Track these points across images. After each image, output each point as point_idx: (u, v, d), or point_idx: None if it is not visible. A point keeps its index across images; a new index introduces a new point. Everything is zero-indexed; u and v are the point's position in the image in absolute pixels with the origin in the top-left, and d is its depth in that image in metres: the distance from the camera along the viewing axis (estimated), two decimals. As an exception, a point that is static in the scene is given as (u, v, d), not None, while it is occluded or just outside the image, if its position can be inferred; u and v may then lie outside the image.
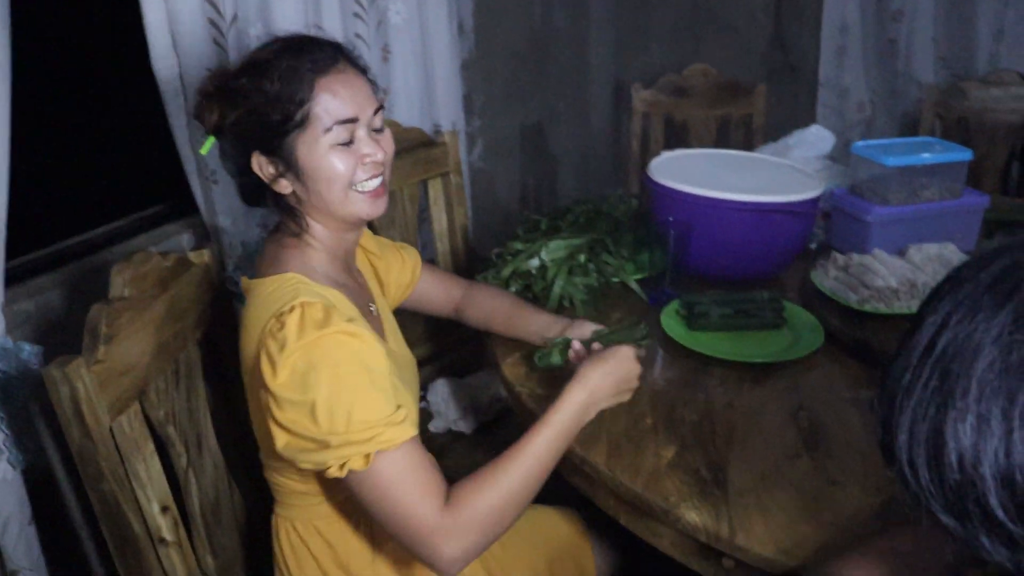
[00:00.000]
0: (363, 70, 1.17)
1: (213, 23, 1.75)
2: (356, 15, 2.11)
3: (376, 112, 1.15)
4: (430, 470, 1.04)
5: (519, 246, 1.72)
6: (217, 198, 1.84)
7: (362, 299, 1.24)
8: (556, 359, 1.36)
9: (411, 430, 1.03)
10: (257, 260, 1.21)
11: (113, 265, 1.18)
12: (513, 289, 1.64)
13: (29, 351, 1.41)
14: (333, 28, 2.01)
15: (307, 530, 1.19)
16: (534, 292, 1.64)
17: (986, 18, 3.06)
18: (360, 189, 1.14)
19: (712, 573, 1.11)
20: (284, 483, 1.18)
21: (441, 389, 1.92)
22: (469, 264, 2.16)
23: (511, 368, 1.44)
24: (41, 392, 1.40)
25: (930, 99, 2.83)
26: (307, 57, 1.10)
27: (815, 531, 1.03)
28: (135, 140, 2.12)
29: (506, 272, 1.66)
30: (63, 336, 1.60)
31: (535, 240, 1.72)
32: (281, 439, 1.02)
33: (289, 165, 1.12)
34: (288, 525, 1.21)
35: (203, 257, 1.39)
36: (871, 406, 0.71)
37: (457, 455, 1.84)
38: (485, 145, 3.03)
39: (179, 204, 2.02)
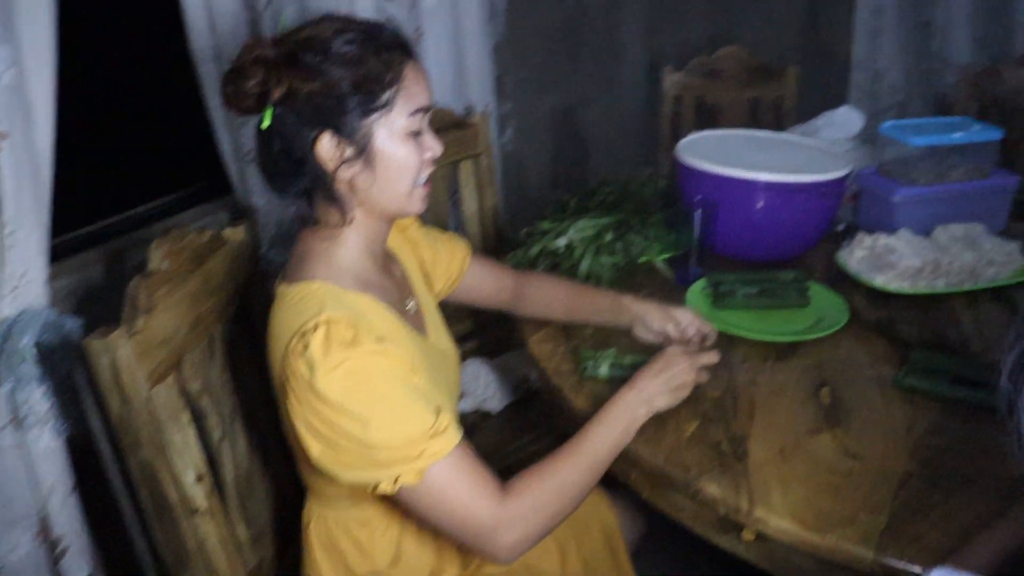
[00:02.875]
0: None
1: (249, 5, 1.78)
2: (388, -2, 2.14)
3: None
4: (480, 468, 1.04)
5: (547, 225, 1.74)
6: (251, 178, 1.88)
7: (398, 297, 1.21)
8: (604, 372, 1.35)
9: (457, 435, 1.03)
10: (291, 258, 1.16)
11: (152, 241, 1.22)
12: (540, 268, 1.66)
13: (71, 323, 1.46)
14: (366, 10, 2.03)
15: (338, 528, 1.20)
16: (561, 271, 1.66)
17: (1025, -2, 3.02)
18: (419, 183, 1.12)
19: (732, 545, 1.13)
20: (316, 483, 1.18)
21: (471, 369, 1.95)
22: (499, 247, 2.19)
23: (538, 345, 1.46)
24: (84, 363, 1.45)
25: (965, 81, 2.80)
26: (392, 40, 1.08)
27: (834, 504, 1.04)
28: (174, 121, 2.17)
29: (534, 251, 1.69)
30: (103, 310, 1.65)
31: (563, 220, 1.74)
32: (315, 448, 1.00)
33: (362, 149, 1.06)
34: (320, 521, 1.22)
35: (238, 234, 1.42)
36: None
37: (485, 434, 1.87)
38: (516, 128, 3.04)
39: (215, 184, 2.07)
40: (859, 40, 3.36)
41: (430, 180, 1.15)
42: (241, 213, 1.95)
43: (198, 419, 1.26)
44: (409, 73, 1.08)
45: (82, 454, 1.58)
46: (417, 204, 1.14)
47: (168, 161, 2.20)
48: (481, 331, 2.15)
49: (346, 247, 1.12)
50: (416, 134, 1.10)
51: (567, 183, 3.39)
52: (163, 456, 1.15)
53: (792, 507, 1.04)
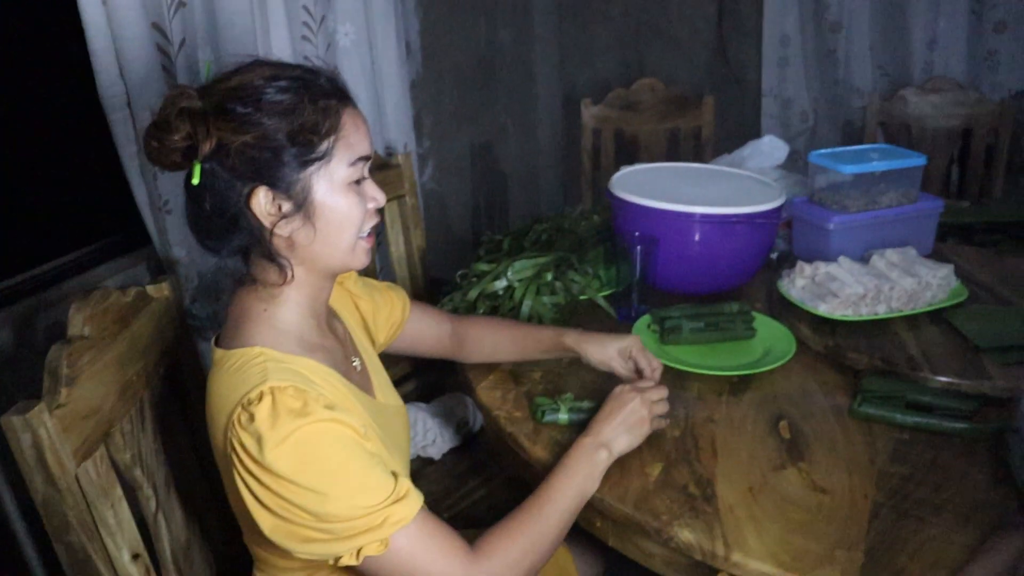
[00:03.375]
0: None
1: (161, 49, 1.70)
2: (305, 38, 2.08)
3: None
4: (446, 531, 0.99)
5: (484, 267, 1.70)
6: (171, 229, 1.79)
7: (342, 356, 1.15)
8: (563, 417, 1.30)
9: (419, 499, 0.98)
10: (226, 319, 1.09)
11: (71, 302, 1.12)
12: (480, 311, 1.62)
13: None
14: (282, 51, 1.97)
15: None
16: (501, 313, 1.62)
17: (920, 28, 3.13)
18: (362, 236, 1.06)
19: (706, 591, 1.09)
20: (266, 555, 1.10)
21: (410, 415, 1.88)
22: (428, 288, 2.13)
23: (486, 392, 1.41)
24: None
25: (872, 107, 2.88)
26: (329, 86, 1.02)
27: (809, 542, 1.02)
28: (82, 169, 2.06)
29: (473, 294, 1.64)
30: (13, 380, 1.54)
31: (499, 261, 1.70)
32: (267, 523, 0.94)
33: (300, 204, 1.00)
34: None
35: (162, 291, 1.34)
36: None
37: (429, 481, 1.80)
38: (436, 166, 3.01)
39: (131, 235, 1.96)
40: (767, 69, 3.43)
41: (373, 232, 1.09)
42: (160, 266, 1.85)
43: (130, 492, 1.17)
44: (348, 120, 1.03)
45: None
46: (361, 258, 1.08)
47: (78, 212, 2.07)
48: (417, 373, 2.09)
49: (287, 308, 1.06)
50: (357, 184, 1.05)
51: (488, 219, 3.37)
52: (95, 537, 1.07)
53: (769, 549, 1.01)
